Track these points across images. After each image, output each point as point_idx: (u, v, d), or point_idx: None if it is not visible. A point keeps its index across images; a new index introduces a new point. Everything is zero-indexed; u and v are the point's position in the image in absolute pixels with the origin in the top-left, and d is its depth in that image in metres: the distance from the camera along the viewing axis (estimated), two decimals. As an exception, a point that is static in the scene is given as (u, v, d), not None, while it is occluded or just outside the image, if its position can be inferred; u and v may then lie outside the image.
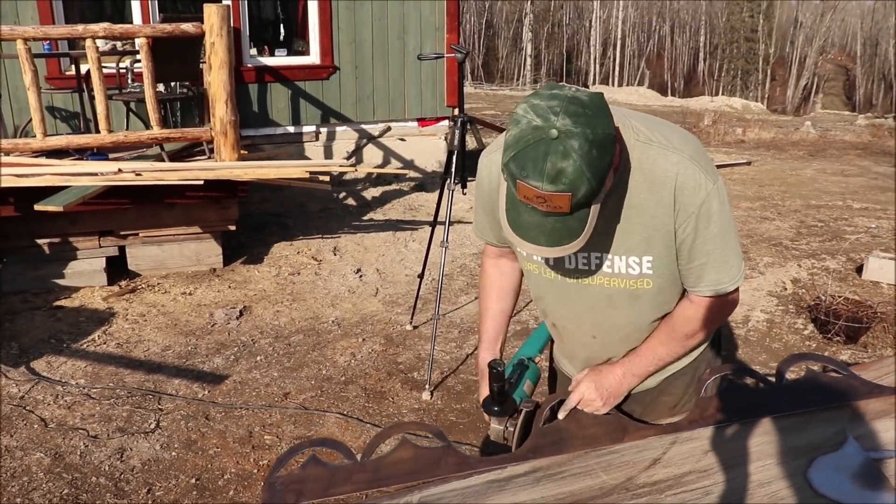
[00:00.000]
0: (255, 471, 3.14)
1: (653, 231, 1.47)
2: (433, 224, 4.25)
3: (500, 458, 1.53)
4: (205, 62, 5.24)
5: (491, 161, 1.56)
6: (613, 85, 42.16)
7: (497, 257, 1.81)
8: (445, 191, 3.91)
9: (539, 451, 1.53)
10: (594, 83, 43.42)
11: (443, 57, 7.12)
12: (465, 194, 4.14)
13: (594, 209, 1.29)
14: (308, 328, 4.60)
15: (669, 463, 1.50)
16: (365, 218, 7.07)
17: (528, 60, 46.06)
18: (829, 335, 4.39)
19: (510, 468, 1.50)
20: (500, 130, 3.53)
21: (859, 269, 5.78)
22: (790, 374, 1.70)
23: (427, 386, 3.72)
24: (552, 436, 1.56)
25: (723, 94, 35.35)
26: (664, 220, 1.45)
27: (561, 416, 1.57)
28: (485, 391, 1.66)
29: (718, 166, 9.82)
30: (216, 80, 5.08)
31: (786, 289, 5.42)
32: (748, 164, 10.91)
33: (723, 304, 1.57)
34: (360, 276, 5.52)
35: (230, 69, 5.12)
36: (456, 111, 4.31)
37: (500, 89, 34.78)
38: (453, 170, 3.84)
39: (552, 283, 1.62)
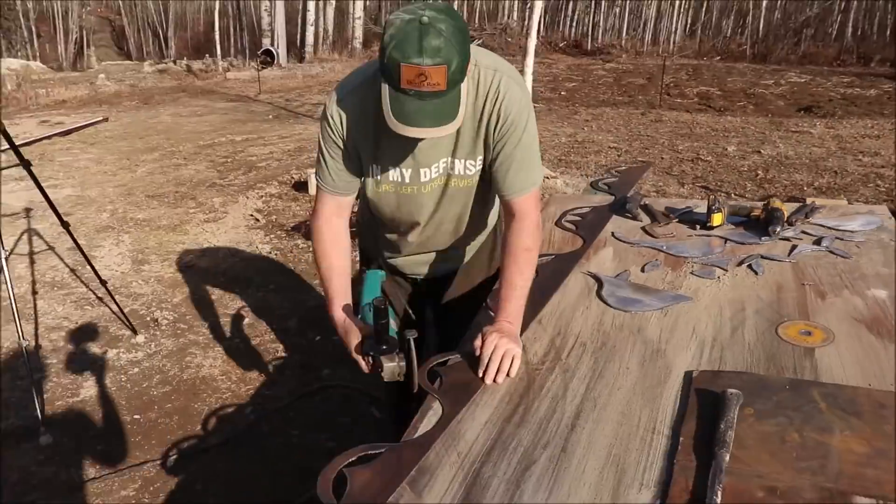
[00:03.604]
0: None
1: (480, 135, 1.71)
2: None
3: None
4: None
5: (349, 108, 1.68)
6: None
7: (330, 216, 1.84)
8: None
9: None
10: None
11: None
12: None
13: (463, 90, 1.51)
14: None
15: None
16: None
17: None
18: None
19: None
20: None
21: (297, 187, 6.33)
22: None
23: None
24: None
25: (-14, 56, 31.85)
26: (490, 127, 1.69)
27: (489, 380, 1.57)
28: (354, 340, 1.68)
29: (77, 129, 9.19)
30: None
31: (258, 220, 5.60)
32: (106, 120, 10.42)
33: (536, 200, 1.81)
34: None
35: None
36: None
37: None
38: None
39: (410, 196, 1.79)
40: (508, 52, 21.79)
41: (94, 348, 3.48)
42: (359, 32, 24.89)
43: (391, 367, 1.58)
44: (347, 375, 3.20)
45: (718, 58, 21.52)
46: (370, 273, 1.88)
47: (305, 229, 5.07)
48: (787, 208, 2.32)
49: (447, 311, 2.11)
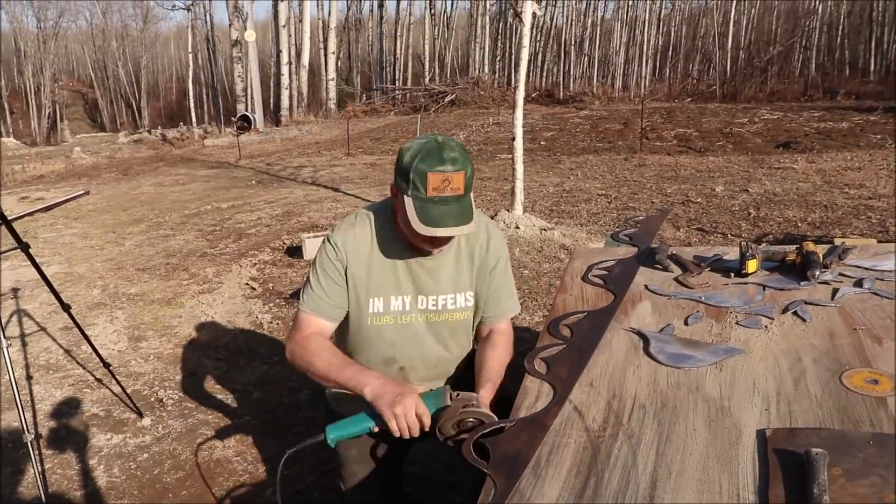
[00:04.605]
0: None
1: (474, 269, 1.92)
2: None
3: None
4: None
5: (351, 236, 1.85)
6: None
7: (312, 334, 1.85)
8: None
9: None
10: None
11: None
12: None
13: (472, 198, 1.75)
14: None
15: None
16: None
17: None
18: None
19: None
20: None
21: (291, 252, 6.25)
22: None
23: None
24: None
25: (-40, 135, 31.74)
26: (480, 261, 1.92)
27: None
28: (413, 394, 1.68)
29: (59, 203, 9.09)
30: None
31: (254, 289, 5.50)
32: (87, 193, 10.33)
33: (511, 326, 2.04)
34: None
35: None
36: None
37: None
38: None
39: (406, 327, 1.90)
40: (482, 104, 22.09)
41: (99, 434, 3.33)
42: (332, 93, 25.18)
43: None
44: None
45: (689, 99, 21.96)
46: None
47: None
48: (820, 250, 2.28)
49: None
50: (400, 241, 1.84)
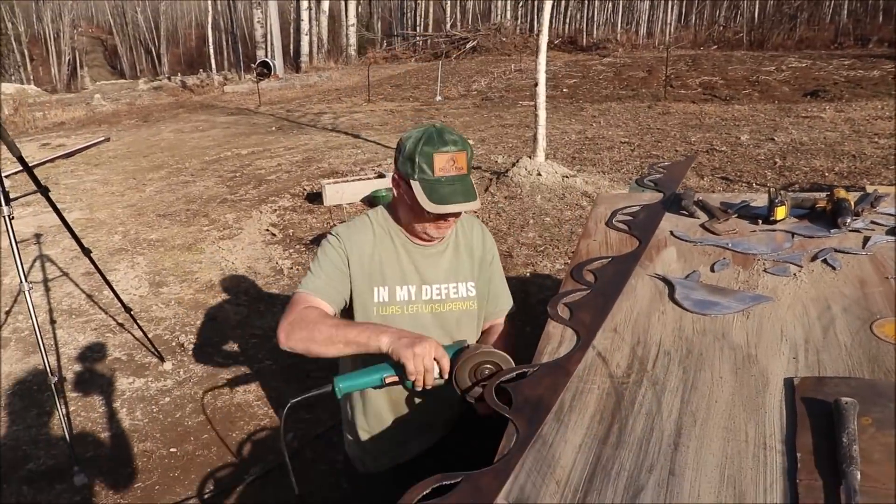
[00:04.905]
0: None
1: (474, 262, 2.00)
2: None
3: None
4: None
5: (353, 230, 1.90)
6: None
7: (310, 307, 1.78)
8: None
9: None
10: None
11: None
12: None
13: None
14: None
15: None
16: None
17: None
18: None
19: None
20: None
21: (311, 199, 6.23)
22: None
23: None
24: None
25: (-18, 81, 31.72)
26: (480, 253, 2.01)
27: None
28: (432, 342, 1.64)
29: (80, 150, 9.10)
30: None
31: (274, 235, 5.50)
32: (108, 140, 10.33)
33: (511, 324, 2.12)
34: None
35: None
36: None
37: None
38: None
39: (414, 317, 1.90)
40: (503, 51, 21.74)
41: (122, 378, 3.37)
42: (353, 39, 24.86)
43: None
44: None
45: (715, 47, 21.45)
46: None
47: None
48: (851, 197, 2.21)
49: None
50: (401, 233, 1.92)
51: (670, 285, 1.88)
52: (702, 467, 1.25)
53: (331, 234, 1.91)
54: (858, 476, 1.15)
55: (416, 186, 1.77)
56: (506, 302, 2.09)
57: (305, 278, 1.85)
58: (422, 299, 1.93)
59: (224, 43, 34.46)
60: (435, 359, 1.61)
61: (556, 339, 1.70)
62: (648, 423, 1.37)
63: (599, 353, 1.64)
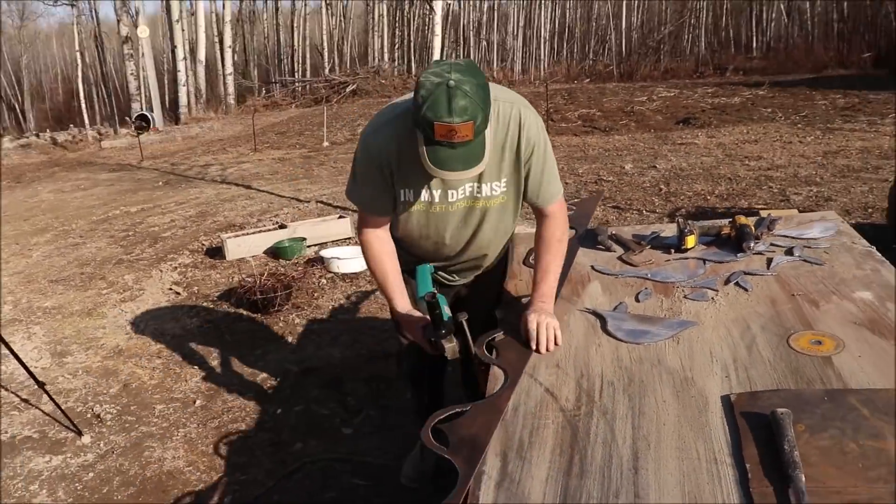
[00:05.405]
0: None
1: (504, 160, 1.97)
2: None
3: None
4: None
5: (384, 140, 1.93)
6: None
7: (375, 228, 2.09)
8: None
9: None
10: None
11: None
12: None
13: (487, 136, 1.77)
14: None
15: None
16: None
17: None
18: (275, 308, 4.63)
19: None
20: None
21: (211, 253, 6.11)
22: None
23: None
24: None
25: None
26: (514, 149, 1.96)
27: (542, 349, 1.86)
28: (415, 328, 2.00)
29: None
30: None
31: (179, 294, 5.36)
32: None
33: (562, 205, 2.13)
34: None
35: None
36: None
37: None
38: None
39: (441, 215, 2.04)
40: (384, 93, 22.00)
41: (37, 458, 3.19)
42: (231, 88, 24.53)
43: (451, 347, 1.84)
44: (320, 447, 3.08)
45: (588, 80, 22.50)
46: (420, 268, 2.08)
47: (235, 298, 4.88)
48: (751, 222, 2.42)
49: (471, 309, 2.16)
50: None
51: (601, 318, 2.00)
52: (663, 487, 1.34)
53: (362, 140, 1.98)
54: (804, 478, 1.28)
55: (419, 136, 1.76)
56: (551, 192, 2.07)
57: (353, 193, 2.08)
58: (447, 200, 2.02)
59: (95, 96, 33.19)
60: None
61: (502, 380, 1.79)
62: (606, 452, 1.47)
63: (547, 388, 1.73)
